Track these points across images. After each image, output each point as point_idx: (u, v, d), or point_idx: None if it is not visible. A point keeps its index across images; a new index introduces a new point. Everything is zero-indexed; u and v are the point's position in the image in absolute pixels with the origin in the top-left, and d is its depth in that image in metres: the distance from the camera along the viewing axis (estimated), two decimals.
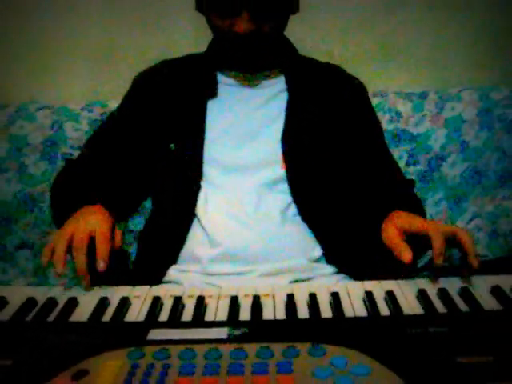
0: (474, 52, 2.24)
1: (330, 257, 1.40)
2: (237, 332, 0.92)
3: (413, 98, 2.08)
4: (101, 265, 1.14)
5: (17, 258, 2.00)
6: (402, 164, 1.99)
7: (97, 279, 1.17)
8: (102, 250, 1.16)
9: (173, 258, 1.39)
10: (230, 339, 0.90)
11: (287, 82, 1.50)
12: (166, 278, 1.36)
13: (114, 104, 1.99)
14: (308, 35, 2.15)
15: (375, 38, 2.23)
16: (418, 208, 1.47)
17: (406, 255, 1.16)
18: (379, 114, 1.99)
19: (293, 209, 1.42)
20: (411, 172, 2.02)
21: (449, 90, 2.09)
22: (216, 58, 1.51)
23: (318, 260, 1.39)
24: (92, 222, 1.20)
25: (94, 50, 2.23)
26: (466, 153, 1.99)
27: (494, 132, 1.99)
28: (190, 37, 2.17)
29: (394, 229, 1.23)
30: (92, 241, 1.17)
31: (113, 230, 1.25)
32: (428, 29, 2.23)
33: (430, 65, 2.25)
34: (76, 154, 1.96)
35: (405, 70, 2.25)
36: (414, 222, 1.22)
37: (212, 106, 1.47)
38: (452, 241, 1.16)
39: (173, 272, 1.37)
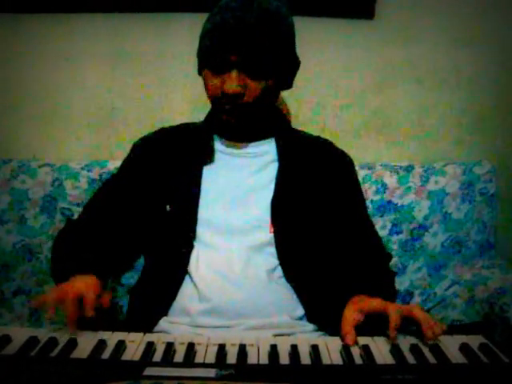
0: (458, 129, 2.29)
1: (311, 316, 1.46)
2: (224, 372, 1.00)
3: (399, 171, 2.13)
4: (89, 312, 1.22)
5: (13, 303, 2.03)
6: (385, 233, 2.05)
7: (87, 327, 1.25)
8: (89, 302, 1.23)
9: (164, 311, 1.44)
10: (217, 378, 0.98)
11: (278, 153, 1.57)
12: (157, 329, 1.41)
13: (112, 165, 2.06)
14: (301, 109, 2.22)
15: (365, 114, 2.28)
16: (387, 286, 1.54)
17: (348, 338, 1.23)
18: (366, 186, 2.06)
19: (278, 271, 1.48)
20: (394, 241, 2.06)
21: (434, 164, 2.15)
22: (214, 126, 1.58)
23: (300, 318, 1.45)
24: (81, 285, 1.28)
25: (94, 113, 2.27)
26: (448, 224, 2.05)
27: (475, 205, 2.06)
28: (188, 104, 2.23)
29: (352, 313, 1.31)
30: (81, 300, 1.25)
31: (100, 292, 1.31)
32: (416, 106, 2.28)
33: (416, 140, 2.29)
34: (74, 210, 2.02)
35: (392, 144, 2.29)
36: (373, 304, 1.30)
37: (207, 172, 1.55)
38: (409, 319, 1.24)
39: (163, 323, 1.42)
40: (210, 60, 1.45)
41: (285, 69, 1.51)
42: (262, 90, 1.45)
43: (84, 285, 1.28)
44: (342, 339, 1.24)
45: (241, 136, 1.55)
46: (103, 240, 1.52)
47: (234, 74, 1.40)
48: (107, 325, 1.29)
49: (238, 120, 1.48)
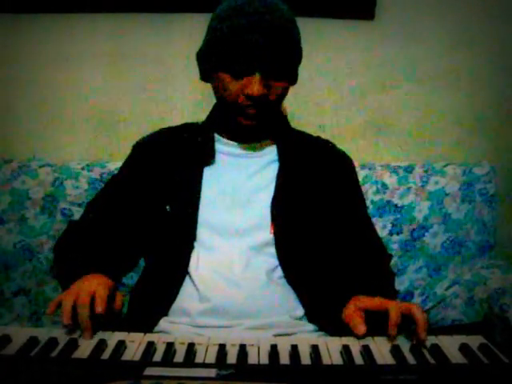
0: (458, 130, 2.31)
1: (311, 316, 1.46)
2: (224, 372, 1.00)
3: (399, 172, 2.14)
4: (99, 309, 1.20)
5: (14, 303, 2.03)
6: (385, 233, 2.06)
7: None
8: (100, 301, 1.22)
9: (164, 311, 1.44)
10: (218, 378, 0.98)
11: (279, 153, 1.57)
12: (157, 329, 1.41)
13: (112, 165, 2.08)
14: (301, 109, 2.23)
15: (365, 114, 2.30)
16: (387, 287, 1.54)
17: (360, 328, 1.24)
18: (366, 186, 2.08)
19: (278, 271, 1.47)
20: (394, 241, 2.07)
21: (434, 164, 2.16)
22: (215, 127, 1.58)
23: (300, 318, 1.45)
24: (94, 284, 1.26)
25: (95, 114, 2.28)
26: (448, 224, 2.06)
27: (475, 205, 2.07)
28: (188, 105, 2.24)
29: (353, 307, 1.32)
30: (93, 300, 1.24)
31: (113, 292, 1.31)
32: (415, 107, 2.30)
33: (416, 140, 2.31)
34: (74, 210, 2.04)
35: (393, 144, 2.31)
36: (373, 301, 1.31)
37: (208, 173, 1.54)
38: (407, 316, 1.23)
39: (163, 323, 1.42)
40: (231, 64, 1.42)
41: (297, 66, 1.52)
42: (282, 90, 1.46)
43: (96, 282, 1.27)
44: (353, 331, 1.25)
45: (248, 137, 1.55)
46: (106, 241, 1.52)
47: (257, 77, 1.39)
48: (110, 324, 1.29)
49: (259, 123, 1.47)
